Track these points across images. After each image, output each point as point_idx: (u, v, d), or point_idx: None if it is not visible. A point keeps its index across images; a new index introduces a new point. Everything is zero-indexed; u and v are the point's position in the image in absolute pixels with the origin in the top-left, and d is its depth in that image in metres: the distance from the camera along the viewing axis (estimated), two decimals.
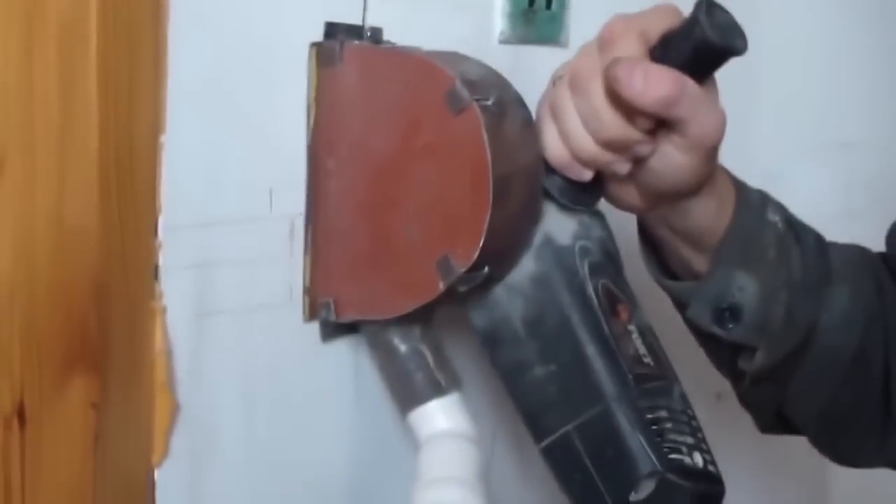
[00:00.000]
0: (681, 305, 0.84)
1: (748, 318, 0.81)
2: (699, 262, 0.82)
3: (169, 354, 0.71)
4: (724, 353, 0.87)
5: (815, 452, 0.96)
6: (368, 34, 0.80)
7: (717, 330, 0.81)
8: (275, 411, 0.78)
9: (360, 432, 0.84)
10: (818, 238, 0.88)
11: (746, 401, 0.90)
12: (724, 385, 1.17)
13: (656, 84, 0.70)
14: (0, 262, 0.64)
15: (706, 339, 0.85)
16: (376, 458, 0.85)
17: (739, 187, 0.83)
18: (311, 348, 0.80)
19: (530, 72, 0.93)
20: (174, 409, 0.72)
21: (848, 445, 0.92)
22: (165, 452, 0.72)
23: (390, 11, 0.81)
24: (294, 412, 0.80)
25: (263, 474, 0.78)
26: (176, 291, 0.71)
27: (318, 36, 0.78)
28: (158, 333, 0.70)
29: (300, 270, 0.78)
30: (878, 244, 1.29)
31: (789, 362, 0.84)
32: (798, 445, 1.07)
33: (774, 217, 0.83)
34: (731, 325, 0.81)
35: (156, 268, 0.70)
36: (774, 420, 0.91)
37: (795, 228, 0.85)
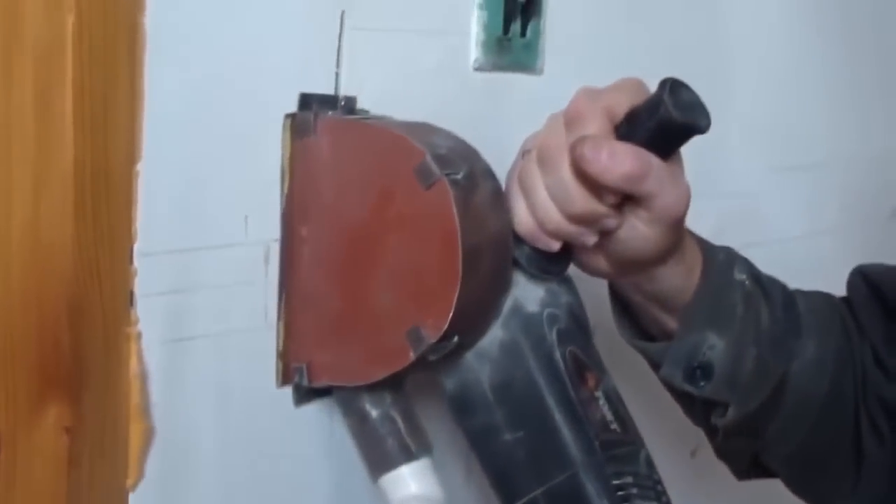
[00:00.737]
0: (654, 364, 0.86)
1: (719, 376, 0.83)
2: (670, 322, 0.84)
3: (143, 379, 0.72)
4: (697, 409, 0.89)
5: (788, 495, 0.98)
6: (342, 103, 0.81)
7: (689, 388, 0.83)
8: (250, 436, 0.79)
9: (338, 465, 0.85)
10: (785, 291, 0.90)
11: (722, 452, 0.92)
12: (698, 442, 1.19)
13: (621, 161, 0.71)
14: None
15: (680, 396, 0.87)
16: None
17: (705, 249, 0.85)
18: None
19: (505, 98, 0.95)
20: (148, 433, 0.72)
21: (823, 488, 0.94)
22: (140, 476, 0.72)
23: (364, 42, 0.82)
24: (269, 438, 0.81)
25: (238, 498, 0.79)
26: (151, 317, 0.72)
27: (293, 104, 0.79)
28: (133, 358, 0.71)
29: (275, 295, 0.79)
30: (844, 264, 1.31)
31: (761, 414, 0.86)
32: (774, 483, 1.09)
33: (741, 275, 0.86)
34: (702, 383, 0.83)
35: (131, 293, 0.71)
36: (750, 467, 0.93)
37: (762, 283, 0.87)
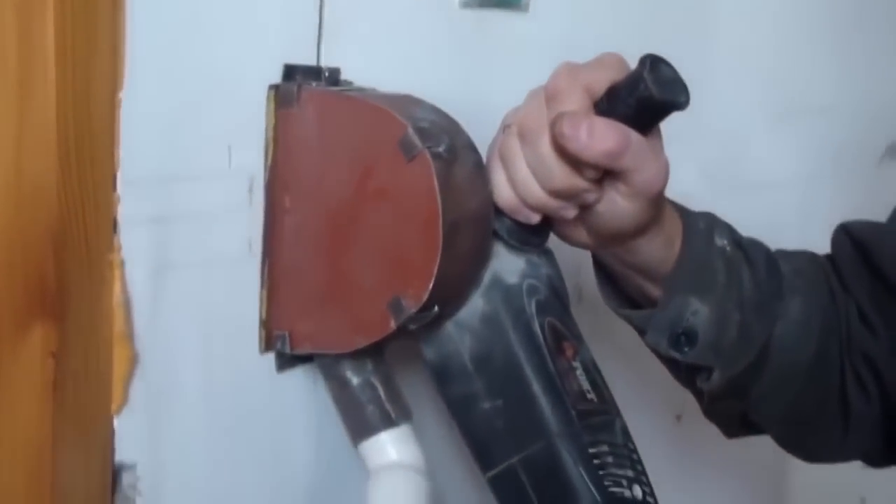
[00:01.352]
0: (640, 331, 0.87)
1: (703, 341, 0.84)
2: (653, 290, 0.85)
3: (127, 306, 0.72)
4: (683, 373, 0.90)
5: (772, 453, 1.00)
6: (326, 74, 0.82)
7: (674, 353, 0.85)
8: (233, 364, 0.80)
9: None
10: (768, 254, 0.91)
11: (710, 413, 0.94)
12: (684, 407, 1.21)
13: (601, 138, 0.72)
14: None
15: (667, 360, 0.89)
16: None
17: (686, 218, 0.86)
18: None
19: (491, 35, 0.96)
20: (133, 359, 0.73)
21: (813, 444, 0.96)
22: (124, 401, 0.73)
23: None
24: (252, 365, 0.81)
25: (221, 425, 0.80)
26: (134, 245, 0.72)
27: (277, 75, 0.80)
28: (117, 285, 0.72)
29: (259, 226, 0.80)
30: (832, 208, 1.32)
31: (746, 377, 0.88)
32: (757, 447, 1.10)
33: (722, 241, 0.87)
34: (686, 349, 0.85)
35: (114, 221, 0.71)
36: (738, 426, 0.95)
37: (744, 248, 0.88)
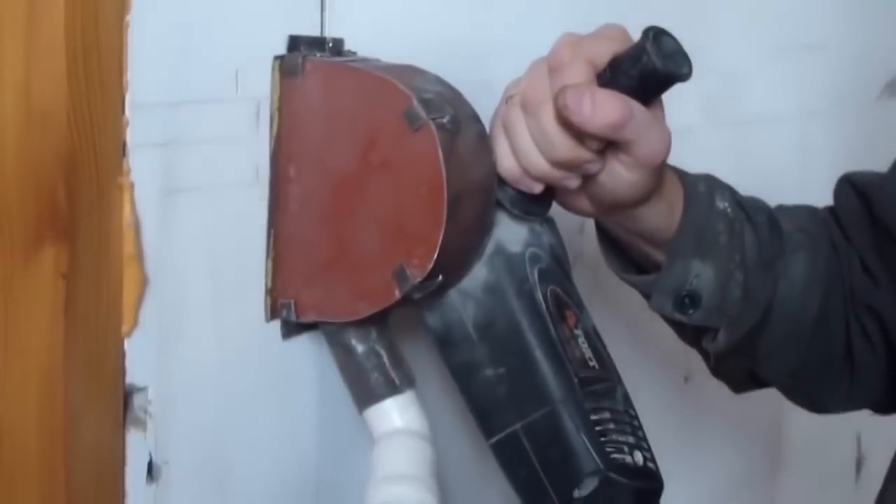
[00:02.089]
0: (645, 295, 0.88)
1: (707, 303, 0.86)
2: (657, 255, 0.86)
3: (137, 229, 0.73)
4: (689, 335, 0.92)
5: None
6: (330, 45, 0.82)
7: (679, 316, 0.86)
8: (240, 288, 0.81)
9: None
10: (769, 212, 0.91)
11: (717, 372, 0.95)
12: (691, 368, 1.23)
13: (604, 109, 0.73)
14: None
15: (673, 322, 0.90)
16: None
17: (686, 183, 0.86)
18: None
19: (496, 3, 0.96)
20: (143, 281, 0.74)
21: (820, 396, 0.97)
22: (134, 324, 0.74)
23: None
24: (258, 289, 0.82)
25: (231, 349, 0.80)
26: (143, 168, 0.73)
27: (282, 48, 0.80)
28: (126, 208, 0.72)
29: (266, 151, 0.80)
30: (830, 145, 1.33)
31: (752, 335, 0.89)
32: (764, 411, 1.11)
33: (723, 203, 0.88)
34: (691, 311, 0.86)
35: (123, 145, 0.72)
36: (746, 382, 0.96)
37: (745, 208, 0.89)
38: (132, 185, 0.72)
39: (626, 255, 0.89)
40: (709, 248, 0.86)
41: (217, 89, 0.77)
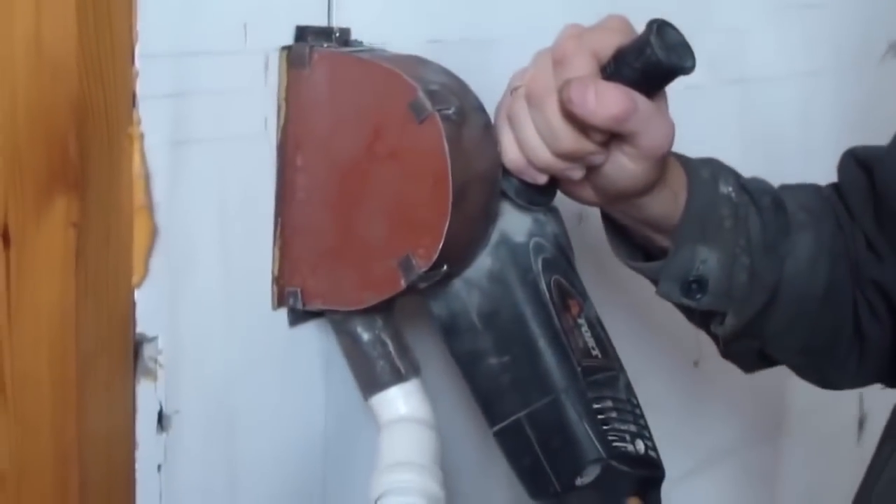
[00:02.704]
0: (653, 281, 0.89)
1: (714, 287, 0.86)
2: (663, 241, 0.87)
3: (147, 179, 0.74)
4: (697, 319, 0.92)
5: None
6: (337, 34, 0.83)
7: (687, 301, 0.87)
8: (248, 239, 0.81)
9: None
10: (773, 193, 0.92)
11: (727, 354, 0.96)
12: (700, 352, 1.24)
13: (608, 102, 0.74)
14: None
15: (681, 307, 0.91)
16: None
17: (689, 170, 0.87)
18: None
19: None
20: (153, 231, 0.74)
21: (830, 373, 0.98)
22: (145, 274, 0.75)
23: None
24: (267, 240, 0.83)
25: (240, 300, 0.81)
26: (153, 119, 0.73)
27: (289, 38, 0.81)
28: (136, 158, 0.73)
29: (273, 104, 0.81)
30: (833, 104, 1.32)
31: (760, 317, 0.89)
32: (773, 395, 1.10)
33: (727, 188, 0.88)
34: (698, 296, 0.86)
35: (133, 95, 0.72)
36: (756, 362, 0.97)
37: (749, 192, 0.90)
38: (142, 136, 0.73)
39: (633, 241, 0.90)
40: (714, 234, 0.86)
41: (226, 41, 0.77)
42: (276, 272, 0.83)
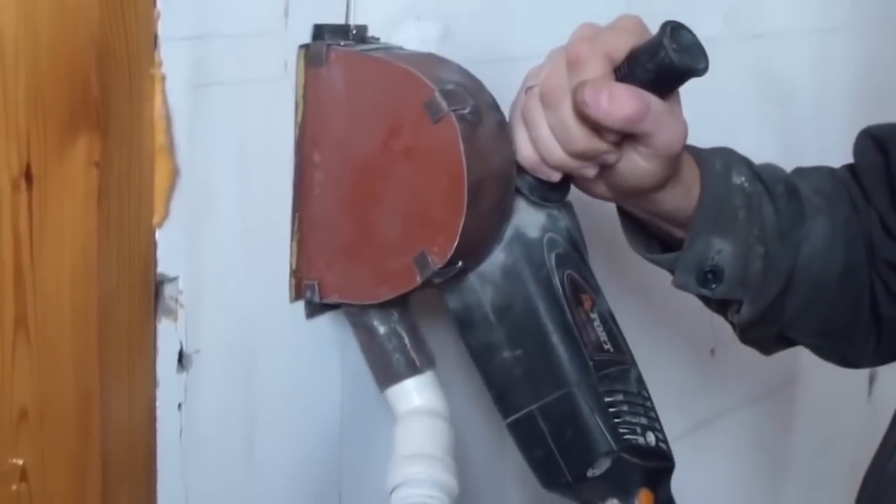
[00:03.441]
0: (670, 272, 0.90)
1: (729, 276, 0.88)
2: (678, 233, 0.88)
3: (168, 120, 0.74)
4: (714, 306, 0.94)
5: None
6: (353, 32, 0.84)
7: (703, 291, 0.88)
8: (268, 181, 0.82)
9: None
10: (786, 179, 0.93)
11: (745, 340, 0.97)
12: (717, 341, 1.25)
13: (621, 104, 0.75)
14: (4, 28, 0.66)
15: (699, 296, 0.92)
16: None
17: (702, 162, 0.88)
18: None
19: None
20: (174, 172, 0.75)
21: (849, 353, 0.99)
22: (166, 214, 0.75)
23: None
24: (286, 184, 0.84)
25: (259, 240, 0.82)
26: (174, 60, 0.74)
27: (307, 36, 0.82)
28: (158, 99, 0.74)
29: (294, 48, 0.82)
30: (848, 58, 1.31)
31: (777, 303, 0.91)
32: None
33: (739, 178, 0.89)
34: (714, 286, 0.88)
35: (154, 36, 0.73)
36: (775, 344, 0.98)
37: (763, 180, 0.90)
38: (164, 77, 0.74)
39: (649, 232, 0.91)
40: (728, 224, 0.87)
41: None
42: (293, 265, 0.84)
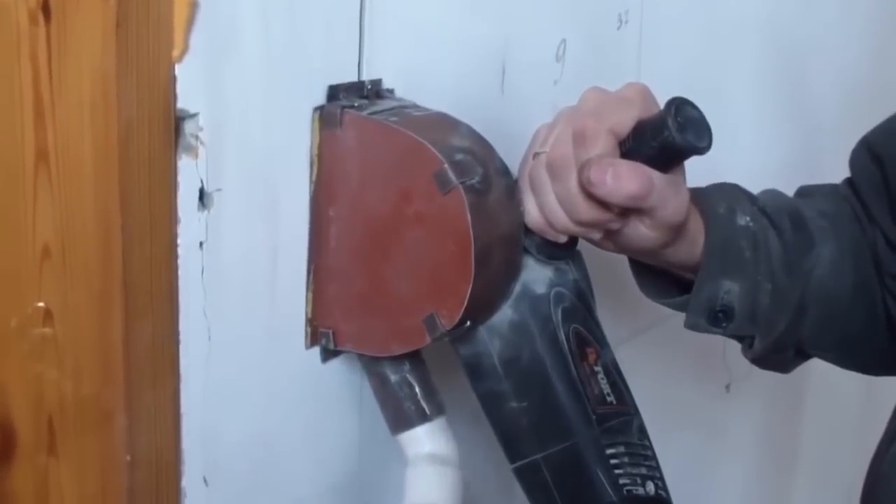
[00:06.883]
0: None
1: (739, 315, 0.90)
2: (688, 275, 0.91)
3: None
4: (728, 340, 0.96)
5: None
6: (369, 87, 0.86)
7: (714, 330, 0.91)
8: (292, 22, 0.81)
9: None
10: (791, 208, 0.94)
11: (763, 367, 1.00)
12: (732, 377, 1.27)
13: (626, 183, 0.77)
14: None
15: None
16: None
17: (705, 207, 0.90)
18: None
19: None
20: (193, 5, 0.74)
21: (868, 362, 1.01)
22: (185, 48, 0.74)
23: None
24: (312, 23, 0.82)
25: (281, 78, 0.81)
26: None
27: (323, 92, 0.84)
28: None
29: None
30: (868, 19, 1.30)
31: (789, 333, 0.93)
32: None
33: (744, 219, 0.91)
34: (725, 324, 0.91)
35: None
36: (793, 362, 1.00)
37: (769, 215, 0.92)
38: None
39: (659, 273, 0.93)
40: (734, 266, 0.90)
41: None
42: (309, 313, 0.87)
